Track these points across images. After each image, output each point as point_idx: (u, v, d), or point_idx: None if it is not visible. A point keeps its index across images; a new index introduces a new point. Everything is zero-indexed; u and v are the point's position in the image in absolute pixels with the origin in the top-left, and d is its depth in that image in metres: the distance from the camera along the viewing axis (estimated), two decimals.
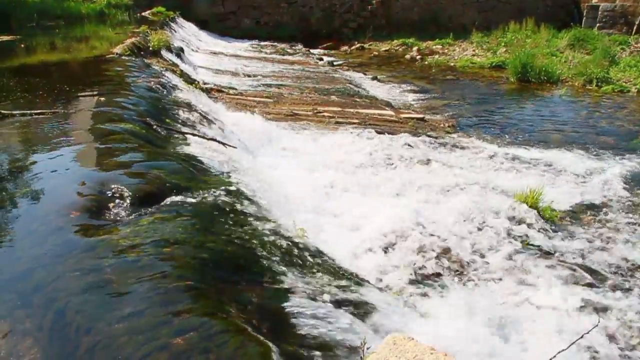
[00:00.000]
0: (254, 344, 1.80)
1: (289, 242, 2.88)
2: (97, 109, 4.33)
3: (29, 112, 4.23)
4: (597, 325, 2.79)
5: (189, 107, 5.30)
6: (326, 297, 2.45)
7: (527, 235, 4.19)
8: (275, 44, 15.55)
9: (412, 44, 15.52)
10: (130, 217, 2.56)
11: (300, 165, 5.21)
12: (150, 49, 8.31)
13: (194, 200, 2.86)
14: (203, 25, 15.68)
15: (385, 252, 3.70)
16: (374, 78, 11.67)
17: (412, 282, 3.41)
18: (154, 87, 5.46)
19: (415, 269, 3.53)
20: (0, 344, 1.66)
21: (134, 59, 7.00)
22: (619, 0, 14.34)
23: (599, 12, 14.42)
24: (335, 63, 13.42)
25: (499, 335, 2.91)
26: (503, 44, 14.16)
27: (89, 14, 12.72)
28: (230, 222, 2.80)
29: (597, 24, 14.41)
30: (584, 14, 15.07)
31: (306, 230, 3.13)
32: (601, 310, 3.31)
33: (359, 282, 2.94)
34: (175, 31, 12.31)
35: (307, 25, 17.15)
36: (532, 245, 4.08)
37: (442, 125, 7.86)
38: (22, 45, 8.26)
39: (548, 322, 3.15)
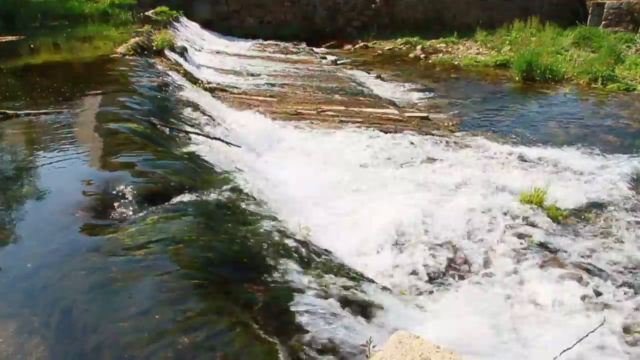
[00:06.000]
0: (260, 343, 1.81)
1: (294, 241, 2.88)
2: (102, 109, 4.34)
3: (34, 111, 4.25)
4: (602, 324, 2.78)
5: (193, 106, 5.31)
6: (331, 295, 2.45)
7: (532, 234, 4.18)
8: (279, 43, 15.53)
9: (416, 42, 15.47)
10: (136, 216, 2.57)
11: (304, 164, 5.21)
12: (154, 48, 8.32)
13: (198, 200, 2.87)
14: (206, 24, 15.69)
15: (391, 250, 3.70)
16: (378, 77, 11.65)
17: (417, 280, 3.41)
18: (157, 86, 5.47)
19: (420, 267, 3.53)
20: (8, 342, 1.67)
21: (137, 58, 7.01)
22: None
23: (605, 10, 14.33)
24: (339, 62, 13.41)
25: (504, 333, 2.91)
26: (507, 42, 14.08)
27: (92, 13, 12.75)
28: (235, 221, 2.81)
29: (603, 22, 14.32)
30: (589, 11, 14.98)
31: (311, 229, 3.14)
32: (607, 308, 3.30)
33: (365, 280, 2.94)
34: (179, 30, 12.32)
35: (310, 24, 17.13)
36: (537, 243, 4.07)
37: (446, 124, 7.84)
38: (32, 46, 8.28)
39: (553, 321, 3.14)
